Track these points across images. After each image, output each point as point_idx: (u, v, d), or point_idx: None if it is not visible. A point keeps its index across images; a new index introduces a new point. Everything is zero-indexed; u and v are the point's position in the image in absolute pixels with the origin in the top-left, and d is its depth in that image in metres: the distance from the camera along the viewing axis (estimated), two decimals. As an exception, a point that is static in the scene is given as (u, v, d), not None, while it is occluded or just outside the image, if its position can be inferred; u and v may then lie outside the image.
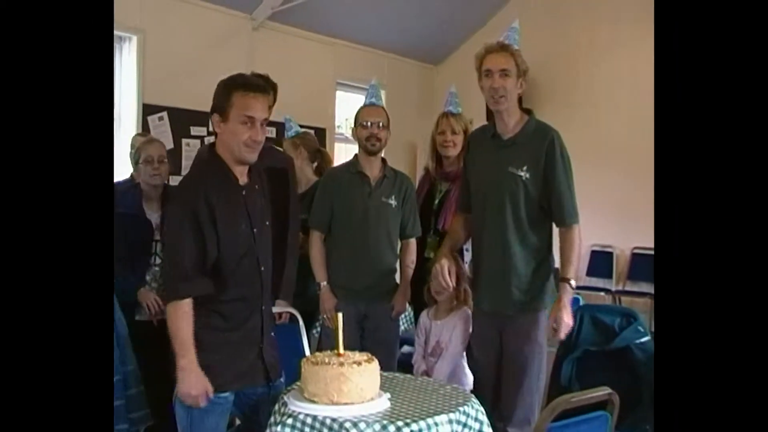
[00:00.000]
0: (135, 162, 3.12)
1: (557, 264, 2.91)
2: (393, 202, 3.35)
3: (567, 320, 2.76)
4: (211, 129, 4.97)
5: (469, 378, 3.16)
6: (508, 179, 2.81)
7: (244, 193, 2.41)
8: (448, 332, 3.16)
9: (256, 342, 2.42)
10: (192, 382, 2.24)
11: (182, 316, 2.24)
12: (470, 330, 3.11)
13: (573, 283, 2.79)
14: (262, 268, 2.43)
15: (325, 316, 3.34)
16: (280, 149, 3.79)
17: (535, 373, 2.84)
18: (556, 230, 2.93)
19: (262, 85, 2.41)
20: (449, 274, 2.85)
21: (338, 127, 7.40)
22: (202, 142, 5.67)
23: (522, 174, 2.79)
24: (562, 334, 2.78)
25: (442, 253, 2.96)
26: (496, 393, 2.91)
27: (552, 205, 2.80)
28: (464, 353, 3.18)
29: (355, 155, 3.49)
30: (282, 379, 2.52)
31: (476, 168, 2.98)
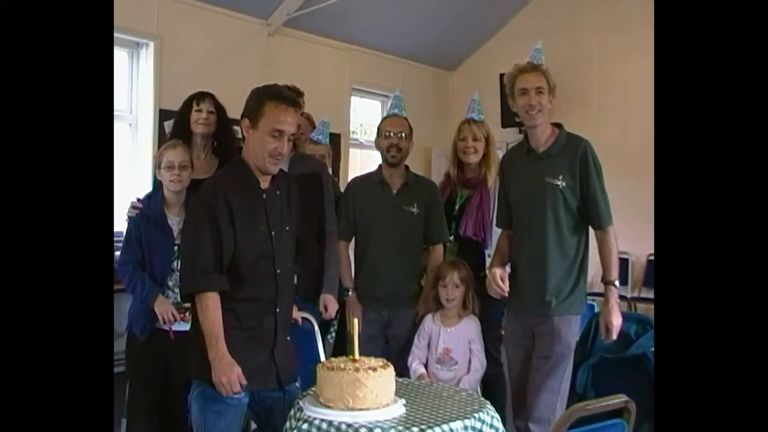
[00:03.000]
0: (157, 166, 3.11)
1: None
2: (415, 209, 3.38)
3: (616, 322, 2.87)
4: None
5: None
6: (548, 189, 2.93)
7: (264, 196, 2.46)
8: (462, 342, 3.18)
9: (268, 344, 2.44)
10: (223, 369, 2.28)
11: (208, 309, 2.31)
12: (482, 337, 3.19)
13: (617, 283, 2.91)
14: (278, 271, 2.46)
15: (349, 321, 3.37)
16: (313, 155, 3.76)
17: (560, 374, 2.90)
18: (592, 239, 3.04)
19: (294, 100, 2.47)
20: (502, 280, 2.93)
21: (353, 132, 7.42)
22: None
23: (559, 183, 2.92)
24: (614, 335, 2.89)
25: (494, 265, 3.06)
26: (523, 393, 2.98)
27: (589, 211, 2.94)
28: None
29: (380, 165, 3.54)
30: (297, 384, 2.53)
31: (514, 184, 3.10)
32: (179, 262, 3.02)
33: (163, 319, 2.96)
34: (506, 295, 2.96)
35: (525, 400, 2.95)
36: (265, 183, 2.47)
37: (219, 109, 3.37)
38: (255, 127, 2.41)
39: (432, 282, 3.35)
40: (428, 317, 3.28)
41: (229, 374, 2.28)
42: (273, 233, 2.45)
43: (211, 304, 2.31)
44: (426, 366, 3.21)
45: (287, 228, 2.52)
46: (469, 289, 3.23)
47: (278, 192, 2.52)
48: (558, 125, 3.04)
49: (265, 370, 2.42)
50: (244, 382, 2.31)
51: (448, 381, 3.11)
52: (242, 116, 2.45)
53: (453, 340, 3.19)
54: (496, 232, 3.38)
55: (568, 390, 2.96)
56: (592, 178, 2.91)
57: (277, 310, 2.46)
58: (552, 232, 2.91)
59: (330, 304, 3.31)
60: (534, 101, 2.93)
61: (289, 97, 2.45)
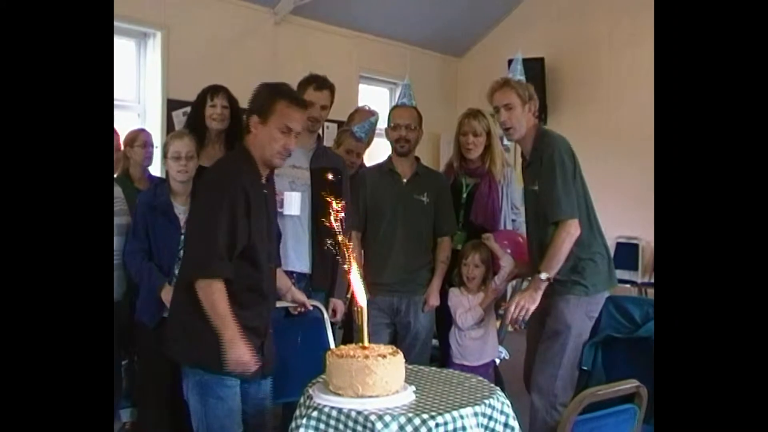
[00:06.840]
0: (163, 156, 3.12)
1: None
2: (425, 199, 3.41)
3: (525, 304, 2.93)
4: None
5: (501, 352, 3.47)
6: (532, 197, 3.08)
7: (265, 191, 2.53)
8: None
9: (260, 336, 2.49)
10: (242, 349, 2.33)
11: (218, 293, 2.33)
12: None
13: (543, 275, 2.94)
14: (272, 264, 2.58)
15: (356, 309, 3.37)
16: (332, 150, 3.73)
17: (558, 349, 3.00)
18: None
19: (303, 102, 2.59)
20: None
21: (361, 120, 7.39)
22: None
23: (536, 188, 3.03)
24: (517, 314, 2.96)
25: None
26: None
27: (544, 205, 2.98)
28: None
29: (389, 155, 3.55)
30: (268, 380, 2.60)
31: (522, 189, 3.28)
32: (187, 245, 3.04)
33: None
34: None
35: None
36: (263, 177, 2.54)
37: (232, 102, 3.38)
38: (264, 123, 2.46)
39: (440, 271, 3.42)
40: (452, 292, 3.39)
41: (248, 355, 2.34)
42: (272, 226, 2.57)
43: (222, 288, 2.34)
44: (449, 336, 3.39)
45: (274, 223, 2.65)
46: (489, 270, 3.36)
47: (271, 187, 2.62)
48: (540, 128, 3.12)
49: (254, 360, 2.45)
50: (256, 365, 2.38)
51: (479, 338, 3.33)
52: (250, 111, 2.50)
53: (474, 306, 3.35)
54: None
55: (570, 367, 3.02)
56: (543, 175, 2.95)
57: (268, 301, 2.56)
58: (544, 233, 3.00)
59: (339, 308, 3.31)
60: (503, 118, 3.00)
61: (300, 99, 2.57)
